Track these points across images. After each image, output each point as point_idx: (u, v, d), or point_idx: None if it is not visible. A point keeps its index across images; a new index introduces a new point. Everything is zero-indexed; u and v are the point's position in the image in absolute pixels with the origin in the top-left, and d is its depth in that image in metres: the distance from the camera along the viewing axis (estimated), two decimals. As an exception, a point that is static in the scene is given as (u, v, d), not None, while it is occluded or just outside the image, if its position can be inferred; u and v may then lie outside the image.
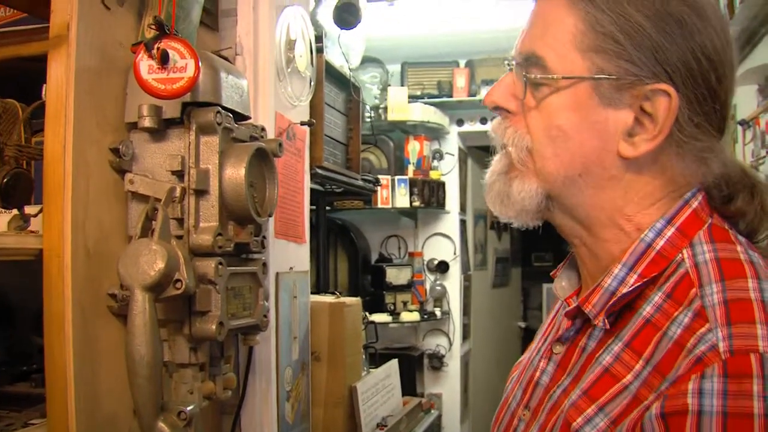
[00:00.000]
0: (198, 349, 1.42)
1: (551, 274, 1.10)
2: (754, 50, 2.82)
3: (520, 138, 0.94)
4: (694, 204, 0.90)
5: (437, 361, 4.73)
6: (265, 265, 1.58)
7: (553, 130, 0.91)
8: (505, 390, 1.12)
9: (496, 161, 0.99)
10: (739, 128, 2.93)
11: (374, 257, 4.72)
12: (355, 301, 2.46)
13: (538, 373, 1.00)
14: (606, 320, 0.89)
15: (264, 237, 1.55)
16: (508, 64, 0.97)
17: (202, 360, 1.43)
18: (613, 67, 0.86)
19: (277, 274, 1.88)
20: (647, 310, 0.85)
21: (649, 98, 0.86)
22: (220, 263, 1.38)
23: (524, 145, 0.93)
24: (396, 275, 4.47)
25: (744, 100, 2.94)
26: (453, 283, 4.81)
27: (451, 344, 4.77)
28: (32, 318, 1.80)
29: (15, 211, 1.44)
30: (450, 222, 4.85)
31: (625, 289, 0.87)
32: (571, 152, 0.90)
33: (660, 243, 0.88)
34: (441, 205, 4.65)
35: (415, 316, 4.43)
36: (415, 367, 4.51)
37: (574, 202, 0.93)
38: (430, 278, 4.75)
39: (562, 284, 1.07)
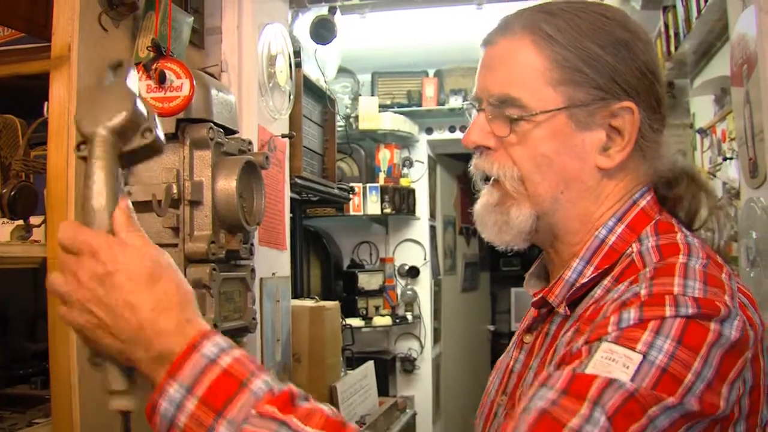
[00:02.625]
0: (193, 351, 1.50)
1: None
2: (710, 63, 2.95)
3: (509, 170, 1.04)
4: (642, 203, 1.03)
5: (409, 364, 4.81)
6: (253, 270, 1.67)
7: (538, 158, 1.02)
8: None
9: (487, 194, 1.08)
10: (698, 136, 3.07)
11: (346, 263, 4.80)
12: (333, 305, 2.55)
13: (512, 362, 1.12)
14: (567, 308, 1.02)
15: (252, 244, 1.65)
16: (476, 107, 1.07)
17: (196, 361, 1.51)
18: (582, 94, 0.99)
19: (261, 279, 1.97)
20: (597, 292, 0.98)
21: (616, 115, 0.99)
22: (214, 269, 1.47)
23: (515, 175, 1.04)
24: (368, 281, 4.55)
25: (701, 110, 3.08)
26: (424, 287, 4.91)
27: (422, 347, 4.86)
28: (25, 325, 1.87)
29: (16, 222, 1.51)
30: (420, 228, 4.95)
31: (583, 280, 1.00)
32: (556, 174, 1.02)
33: (612, 239, 1.01)
34: (411, 211, 4.75)
35: (387, 321, 4.52)
36: (387, 370, 4.58)
37: (557, 216, 1.04)
38: (401, 283, 4.85)
39: (531, 282, 1.19)
